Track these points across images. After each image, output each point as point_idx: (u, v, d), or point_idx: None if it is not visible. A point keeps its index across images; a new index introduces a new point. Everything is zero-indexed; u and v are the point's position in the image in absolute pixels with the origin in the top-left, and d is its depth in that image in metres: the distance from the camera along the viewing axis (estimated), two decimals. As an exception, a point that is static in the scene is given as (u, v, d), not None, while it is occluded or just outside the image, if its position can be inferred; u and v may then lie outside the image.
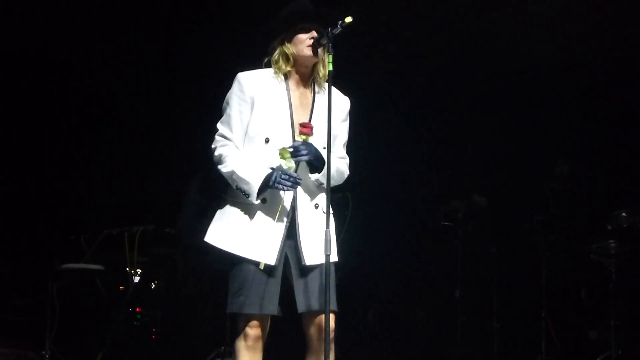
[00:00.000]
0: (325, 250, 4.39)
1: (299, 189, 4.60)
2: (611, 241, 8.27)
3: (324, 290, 4.40)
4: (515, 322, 8.91)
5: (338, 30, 4.48)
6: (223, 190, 4.75)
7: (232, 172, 4.56)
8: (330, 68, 4.52)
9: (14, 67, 8.64)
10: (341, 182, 4.87)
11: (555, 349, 8.54)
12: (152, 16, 8.43)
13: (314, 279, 4.60)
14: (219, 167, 4.64)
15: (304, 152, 4.54)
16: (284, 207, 4.56)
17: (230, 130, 4.65)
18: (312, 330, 4.65)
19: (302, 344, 4.79)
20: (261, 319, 4.58)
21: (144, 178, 9.16)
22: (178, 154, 9.15)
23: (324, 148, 4.59)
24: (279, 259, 4.55)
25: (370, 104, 8.81)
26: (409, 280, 9.37)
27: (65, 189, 8.90)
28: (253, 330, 4.57)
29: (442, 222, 9.09)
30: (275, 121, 4.62)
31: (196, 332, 8.00)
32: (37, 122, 8.94)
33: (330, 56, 4.52)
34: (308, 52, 4.66)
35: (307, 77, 4.77)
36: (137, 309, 8.06)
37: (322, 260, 4.48)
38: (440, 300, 9.27)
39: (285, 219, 4.59)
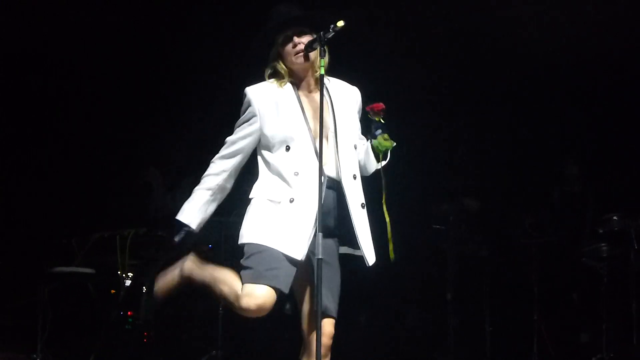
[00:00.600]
0: (317, 254, 4.38)
1: (346, 189, 4.64)
2: (602, 244, 8.30)
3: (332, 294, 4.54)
4: (507, 325, 8.92)
5: (330, 34, 4.47)
6: (247, 185, 4.77)
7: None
8: (323, 72, 4.50)
9: (2, 69, 8.63)
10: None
11: (547, 351, 8.55)
12: (146, 17, 8.45)
13: (331, 282, 4.61)
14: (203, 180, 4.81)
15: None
16: (315, 208, 4.51)
17: (224, 156, 4.77)
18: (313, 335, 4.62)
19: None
20: (270, 292, 4.49)
21: (135, 181, 9.14)
22: (171, 157, 9.14)
23: (355, 146, 4.71)
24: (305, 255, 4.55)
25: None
26: (400, 283, 9.36)
27: (56, 192, 8.88)
28: (258, 299, 4.47)
29: (434, 226, 9.09)
30: (292, 129, 4.63)
31: (188, 336, 7.99)
32: (28, 125, 8.92)
33: (323, 60, 4.50)
34: (298, 61, 4.67)
35: (313, 80, 4.76)
36: (129, 313, 8.04)
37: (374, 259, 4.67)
38: (432, 304, 9.27)
39: (314, 218, 4.53)
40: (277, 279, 4.47)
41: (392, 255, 4.82)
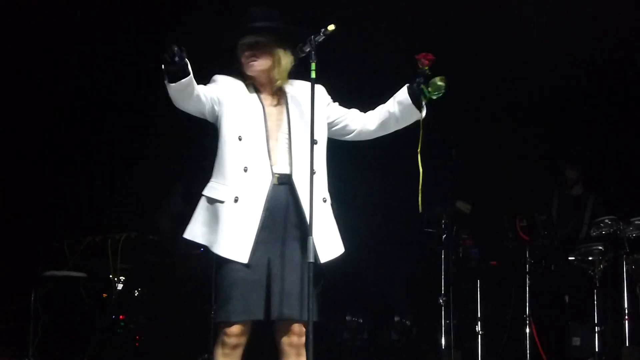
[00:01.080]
0: (308, 257, 4.39)
1: (299, 184, 4.61)
2: (594, 247, 8.30)
3: (302, 297, 4.47)
4: (499, 328, 8.92)
5: (321, 37, 4.48)
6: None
7: None
8: (313, 75, 4.51)
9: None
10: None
11: (539, 354, 8.55)
12: (139, 19, 8.44)
13: (292, 286, 4.57)
14: None
15: None
16: (260, 204, 4.55)
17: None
18: (287, 340, 4.66)
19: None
20: (242, 325, 4.54)
21: (127, 185, 9.14)
22: (161, 160, 9.14)
23: (315, 142, 4.62)
24: (251, 257, 4.51)
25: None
26: (392, 286, 9.37)
27: (48, 196, 8.88)
28: (231, 338, 4.53)
29: (426, 229, 9.09)
30: (248, 122, 4.65)
31: (180, 339, 7.99)
32: (18, 129, 8.91)
33: (313, 63, 4.50)
34: (249, 72, 4.73)
35: (272, 84, 4.78)
36: (121, 317, 8.04)
37: (334, 255, 4.63)
38: (424, 306, 9.27)
39: (260, 218, 4.55)
40: (252, 312, 4.51)
41: (420, 207, 4.81)
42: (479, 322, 8.75)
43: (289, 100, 4.77)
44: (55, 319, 7.86)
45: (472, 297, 8.87)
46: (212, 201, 4.61)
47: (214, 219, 4.58)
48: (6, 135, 8.84)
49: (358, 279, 9.24)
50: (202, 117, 4.71)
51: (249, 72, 4.72)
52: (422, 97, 4.73)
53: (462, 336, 8.90)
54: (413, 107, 4.86)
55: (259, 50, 4.69)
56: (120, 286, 7.97)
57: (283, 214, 4.61)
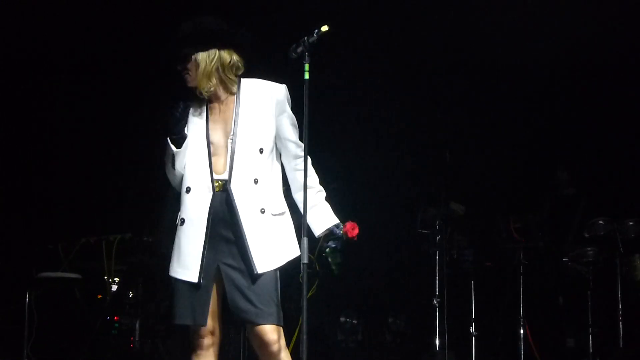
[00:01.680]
0: (302, 259, 4.40)
1: (235, 194, 4.57)
2: (588, 249, 8.31)
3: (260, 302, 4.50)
4: (493, 330, 8.93)
5: (314, 38, 4.46)
6: None
7: None
8: (307, 77, 4.49)
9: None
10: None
11: (534, 356, 8.56)
12: (140, 20, 8.44)
13: (244, 290, 4.57)
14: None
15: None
16: (203, 221, 4.58)
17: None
18: (256, 344, 4.67)
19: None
20: (202, 330, 4.61)
21: (121, 186, 9.13)
22: (156, 162, 9.12)
23: (260, 150, 4.61)
24: (201, 275, 4.56)
25: (346, 111, 8.84)
26: (386, 287, 9.37)
27: (42, 197, 8.87)
28: (196, 340, 4.63)
29: (420, 230, 9.09)
30: (192, 143, 4.68)
31: (174, 341, 7.98)
32: (12, 131, 8.90)
33: (307, 65, 4.49)
34: (190, 86, 4.70)
35: (219, 89, 4.72)
36: (115, 318, 8.03)
37: (273, 267, 4.56)
38: (418, 308, 9.28)
39: (204, 234, 4.58)
40: (195, 317, 4.58)
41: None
42: (473, 323, 8.76)
43: (241, 104, 4.68)
44: (50, 320, 7.85)
45: (466, 298, 8.87)
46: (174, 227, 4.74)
47: (174, 244, 4.70)
48: (0, 137, 8.83)
49: (352, 280, 9.23)
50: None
51: (190, 86, 4.69)
52: (325, 247, 4.74)
53: (456, 337, 8.90)
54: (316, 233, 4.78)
55: (187, 62, 4.68)
56: (114, 287, 7.96)
57: (225, 222, 4.60)
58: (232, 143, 4.61)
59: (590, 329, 8.18)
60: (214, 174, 4.58)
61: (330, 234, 4.77)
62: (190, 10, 8.40)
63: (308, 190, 4.56)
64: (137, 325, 7.94)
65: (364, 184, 9.39)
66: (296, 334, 5.66)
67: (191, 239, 4.58)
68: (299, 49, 4.53)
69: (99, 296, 8.04)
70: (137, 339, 7.92)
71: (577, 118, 9.32)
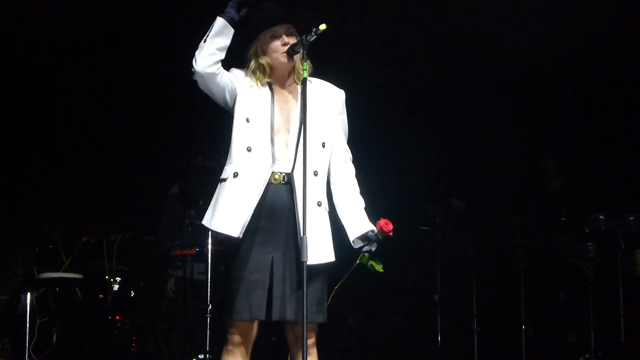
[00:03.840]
0: (302, 257, 4.36)
1: (297, 185, 4.55)
2: (589, 244, 8.32)
3: (304, 299, 4.35)
4: (494, 326, 8.93)
5: (313, 37, 4.44)
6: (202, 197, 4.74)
7: None
8: (306, 75, 4.48)
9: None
10: None
11: (535, 352, 8.57)
12: (141, 21, 8.45)
13: (294, 286, 4.54)
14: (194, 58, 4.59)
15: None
16: (260, 183, 4.52)
17: None
18: (293, 340, 4.64)
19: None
20: (245, 324, 4.54)
21: (122, 186, 9.14)
22: (156, 161, 9.14)
23: (323, 144, 4.64)
24: (242, 232, 4.48)
25: (346, 110, 8.83)
26: (388, 285, 9.37)
27: (43, 197, 8.88)
28: (234, 336, 4.54)
29: (420, 227, 9.10)
30: (256, 107, 4.61)
31: (176, 340, 7.99)
32: (15, 131, 8.91)
33: (305, 63, 4.48)
34: (283, 59, 4.62)
35: (290, 78, 4.72)
36: (117, 317, 8.04)
37: (327, 260, 4.56)
38: (419, 305, 9.29)
39: (277, 213, 4.54)
40: (253, 312, 4.48)
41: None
42: (475, 320, 8.76)
43: (308, 95, 4.61)
44: (52, 320, 7.85)
45: (468, 294, 8.88)
46: (219, 182, 4.61)
47: (216, 198, 4.58)
48: (2, 137, 8.84)
49: (352, 278, 9.23)
50: (221, 97, 4.64)
51: (284, 61, 4.63)
52: (362, 256, 4.72)
53: (458, 334, 8.92)
54: (352, 239, 4.78)
55: (292, 38, 4.63)
56: (116, 287, 7.97)
57: (284, 214, 4.57)
58: (297, 133, 4.61)
59: (591, 324, 8.18)
60: (276, 160, 4.57)
61: (364, 239, 4.75)
62: (190, 11, 8.47)
63: (349, 195, 4.75)
64: (139, 325, 7.94)
65: (364, 182, 9.38)
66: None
67: (242, 193, 4.50)
68: (298, 48, 4.53)
69: (101, 296, 8.04)
70: (138, 338, 7.93)
71: (579, 114, 9.33)
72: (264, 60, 4.66)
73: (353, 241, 4.78)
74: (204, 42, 4.50)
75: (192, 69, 4.54)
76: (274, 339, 7.47)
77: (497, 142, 9.63)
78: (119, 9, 8.38)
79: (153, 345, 7.90)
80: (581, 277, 8.38)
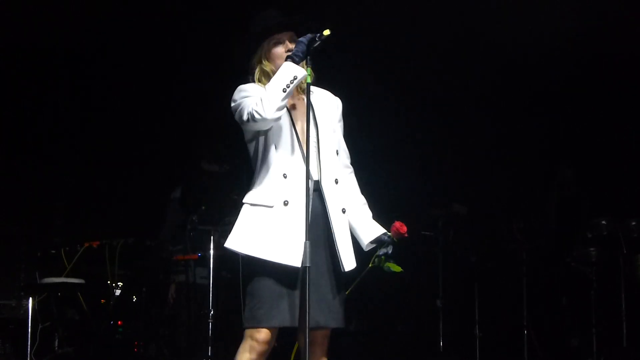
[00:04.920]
0: (304, 262, 4.35)
1: (327, 192, 4.59)
2: (591, 249, 8.32)
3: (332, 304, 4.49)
4: (497, 330, 8.93)
5: (316, 43, 4.45)
6: (236, 194, 4.69)
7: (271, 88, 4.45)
8: (309, 80, 4.48)
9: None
10: None
11: (537, 356, 8.56)
12: (143, 24, 8.46)
13: (325, 294, 4.56)
14: (263, 106, 4.41)
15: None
16: (309, 211, 4.43)
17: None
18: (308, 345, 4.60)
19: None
20: (271, 331, 4.51)
21: (123, 191, 9.14)
22: (158, 166, 9.14)
23: (336, 152, 4.69)
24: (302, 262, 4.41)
25: (348, 113, 8.83)
26: (390, 289, 9.37)
27: (44, 203, 8.88)
28: (260, 344, 4.49)
29: (423, 232, 9.10)
30: (280, 130, 4.58)
31: (178, 344, 7.99)
32: (16, 136, 8.92)
33: (309, 69, 4.49)
34: (288, 47, 4.62)
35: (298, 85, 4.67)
36: (119, 322, 8.04)
37: (354, 266, 4.59)
38: (421, 310, 9.28)
39: (308, 222, 4.45)
40: (283, 319, 4.46)
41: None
42: (477, 325, 8.76)
43: (314, 105, 4.68)
44: (54, 325, 7.86)
45: (470, 299, 8.88)
46: (257, 207, 4.54)
47: (260, 225, 4.51)
48: (2, 142, 8.84)
49: (354, 281, 9.24)
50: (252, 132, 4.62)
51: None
52: (376, 259, 4.74)
53: (460, 339, 8.91)
54: (366, 243, 4.79)
55: (295, 44, 4.59)
56: (118, 292, 7.97)
57: (317, 221, 4.56)
58: (316, 142, 4.62)
59: (593, 328, 8.19)
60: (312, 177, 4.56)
61: (378, 242, 4.77)
62: (190, 11, 8.48)
63: (357, 200, 4.80)
64: (141, 330, 7.94)
65: (366, 186, 9.39)
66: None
67: (295, 222, 4.46)
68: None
69: (103, 301, 8.04)
70: (140, 343, 7.93)
71: (581, 118, 9.32)
72: (268, 67, 4.66)
73: (366, 245, 4.78)
74: (284, 92, 4.39)
75: (261, 117, 4.41)
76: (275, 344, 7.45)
77: (499, 146, 9.63)
78: (119, 12, 8.40)
79: (155, 350, 7.90)
80: (583, 281, 8.39)
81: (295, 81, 4.40)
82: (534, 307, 8.64)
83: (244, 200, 4.60)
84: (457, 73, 9.32)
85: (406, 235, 4.74)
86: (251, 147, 4.66)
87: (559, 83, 9.22)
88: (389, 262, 4.74)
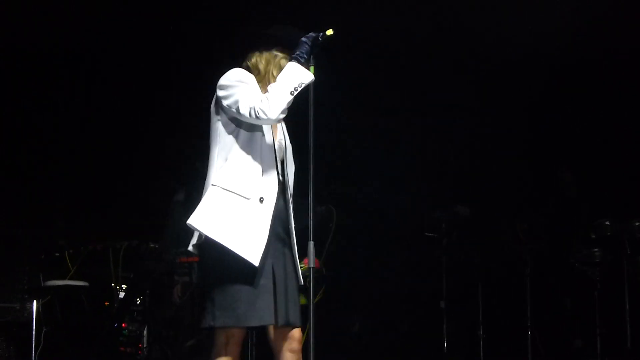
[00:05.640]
0: (309, 262, 4.42)
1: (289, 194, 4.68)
2: (595, 250, 8.32)
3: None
4: (501, 332, 8.93)
5: (319, 42, 4.53)
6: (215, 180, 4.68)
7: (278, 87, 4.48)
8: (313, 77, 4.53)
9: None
10: None
11: (541, 357, 8.56)
12: (144, 23, 8.47)
13: (292, 292, 4.59)
14: (270, 106, 4.44)
15: None
16: (278, 210, 4.57)
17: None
18: (283, 345, 4.63)
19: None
20: (243, 332, 4.54)
21: (127, 193, 9.15)
22: (162, 168, 9.14)
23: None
24: (264, 261, 4.48)
25: (351, 115, 8.84)
26: (393, 291, 9.38)
27: (48, 205, 8.88)
28: (233, 345, 4.51)
29: (426, 233, 9.10)
30: (264, 128, 4.63)
31: (182, 347, 7.99)
32: (18, 137, 8.92)
33: (312, 67, 4.53)
34: None
35: None
36: (123, 325, 8.04)
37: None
38: (425, 311, 9.28)
39: (277, 223, 4.58)
40: (262, 317, 4.47)
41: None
42: (481, 326, 8.76)
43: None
44: (58, 328, 7.86)
45: (474, 301, 8.88)
46: (232, 194, 4.53)
47: (233, 214, 4.50)
48: (6, 144, 8.84)
49: (358, 283, 9.24)
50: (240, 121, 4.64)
51: None
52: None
53: (464, 340, 8.91)
54: None
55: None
56: (121, 294, 7.96)
57: (281, 221, 4.63)
58: (284, 145, 4.73)
59: (597, 329, 8.19)
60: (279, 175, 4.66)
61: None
62: (190, 12, 8.49)
63: None
64: (145, 332, 7.94)
65: (370, 187, 9.40)
66: (304, 338, 5.65)
67: (265, 220, 4.51)
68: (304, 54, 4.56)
69: (107, 303, 8.04)
70: (145, 345, 7.93)
71: (583, 119, 9.32)
72: (265, 69, 4.70)
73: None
74: (292, 95, 4.44)
75: (266, 117, 4.45)
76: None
77: (502, 147, 9.63)
78: (120, 11, 8.41)
79: (159, 352, 7.90)
80: (587, 282, 8.38)
81: (303, 86, 4.45)
82: (538, 308, 8.63)
83: (215, 183, 4.56)
84: (459, 73, 9.32)
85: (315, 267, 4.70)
86: (228, 130, 4.62)
87: (563, 83, 9.22)
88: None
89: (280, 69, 4.60)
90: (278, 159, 4.63)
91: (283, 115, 4.47)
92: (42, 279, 7.94)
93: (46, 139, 9.04)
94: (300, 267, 4.72)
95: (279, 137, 4.72)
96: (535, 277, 8.68)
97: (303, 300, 4.73)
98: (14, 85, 8.72)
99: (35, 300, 7.75)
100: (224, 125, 4.63)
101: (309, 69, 4.52)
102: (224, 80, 4.59)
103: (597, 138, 9.33)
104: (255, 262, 4.42)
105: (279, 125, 4.75)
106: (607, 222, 8.29)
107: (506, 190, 9.54)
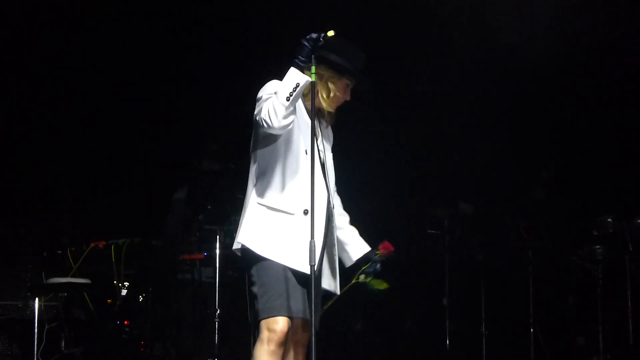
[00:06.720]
0: (310, 261, 4.45)
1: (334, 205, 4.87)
2: (597, 247, 8.31)
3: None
4: (503, 329, 8.92)
5: (321, 43, 4.54)
6: (241, 193, 4.77)
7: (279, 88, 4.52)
8: (313, 79, 4.54)
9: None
10: None
11: (544, 354, 8.56)
12: (139, 23, 8.46)
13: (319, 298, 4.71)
14: (270, 115, 4.49)
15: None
16: (323, 220, 4.72)
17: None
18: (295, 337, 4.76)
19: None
20: (288, 321, 4.61)
21: (129, 190, 9.14)
22: (164, 165, 9.14)
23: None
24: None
25: (354, 113, 8.84)
26: (396, 288, 9.36)
27: (50, 203, 8.88)
28: (279, 334, 4.57)
29: (429, 231, 9.10)
30: (307, 139, 4.68)
31: (184, 344, 8.00)
32: (20, 135, 8.92)
33: (314, 67, 4.53)
34: (336, 103, 4.84)
35: (329, 116, 4.94)
36: (125, 322, 8.04)
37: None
38: (428, 308, 9.28)
39: (323, 232, 4.73)
40: (297, 307, 4.60)
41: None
42: (484, 323, 8.76)
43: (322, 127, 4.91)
44: (60, 325, 7.86)
45: (476, 298, 8.88)
46: (276, 212, 4.66)
47: (280, 231, 4.64)
48: (7, 142, 8.84)
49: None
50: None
51: (337, 104, 4.84)
52: (361, 275, 4.85)
53: (467, 337, 8.91)
54: (352, 259, 5.00)
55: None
56: (124, 292, 7.97)
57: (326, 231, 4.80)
58: (323, 158, 4.87)
59: (600, 327, 8.18)
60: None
61: (366, 260, 4.93)
62: (191, 11, 8.49)
63: (345, 218, 5.01)
64: (148, 329, 7.95)
65: (372, 185, 9.39)
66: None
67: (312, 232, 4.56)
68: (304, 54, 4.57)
69: (109, 301, 8.04)
70: (147, 343, 7.93)
71: (587, 116, 9.31)
72: (333, 89, 4.80)
73: (353, 261, 4.98)
74: (288, 100, 4.45)
75: (270, 126, 4.49)
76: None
77: (505, 145, 9.62)
78: (120, 10, 8.41)
79: (162, 350, 7.90)
80: (589, 279, 8.38)
81: (298, 89, 4.46)
82: (540, 305, 8.63)
83: (257, 201, 4.69)
84: (462, 72, 9.31)
85: (393, 252, 4.85)
86: (266, 143, 4.71)
87: (564, 82, 9.20)
88: (376, 279, 4.83)
89: (334, 90, 4.79)
90: (319, 169, 4.70)
91: (286, 122, 4.48)
92: (44, 277, 7.96)
93: (48, 137, 9.03)
94: (376, 255, 4.89)
95: (319, 146, 4.78)
96: (538, 275, 8.68)
97: (385, 285, 4.93)
98: (15, 83, 8.71)
99: (37, 298, 7.77)
100: (262, 137, 4.71)
101: (310, 70, 4.52)
102: (258, 95, 4.67)
103: (600, 135, 9.31)
104: (307, 270, 4.53)
105: (322, 134, 4.85)
106: (610, 219, 8.27)
107: (509, 188, 9.52)
